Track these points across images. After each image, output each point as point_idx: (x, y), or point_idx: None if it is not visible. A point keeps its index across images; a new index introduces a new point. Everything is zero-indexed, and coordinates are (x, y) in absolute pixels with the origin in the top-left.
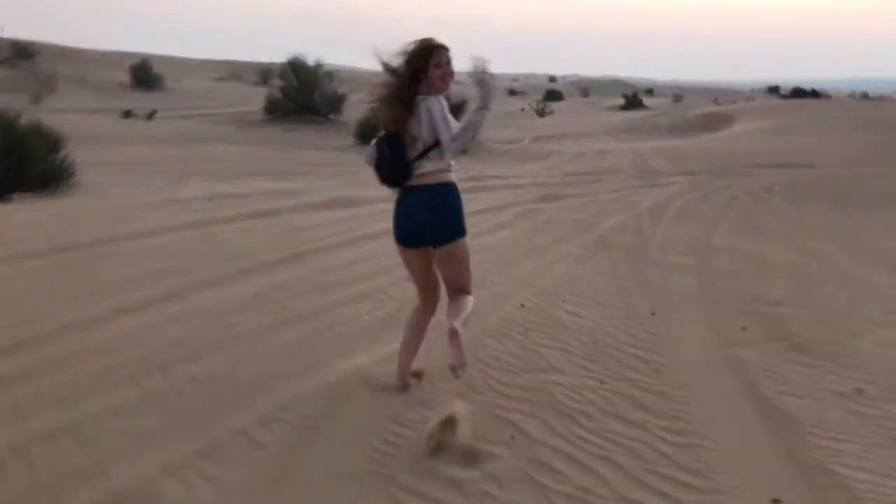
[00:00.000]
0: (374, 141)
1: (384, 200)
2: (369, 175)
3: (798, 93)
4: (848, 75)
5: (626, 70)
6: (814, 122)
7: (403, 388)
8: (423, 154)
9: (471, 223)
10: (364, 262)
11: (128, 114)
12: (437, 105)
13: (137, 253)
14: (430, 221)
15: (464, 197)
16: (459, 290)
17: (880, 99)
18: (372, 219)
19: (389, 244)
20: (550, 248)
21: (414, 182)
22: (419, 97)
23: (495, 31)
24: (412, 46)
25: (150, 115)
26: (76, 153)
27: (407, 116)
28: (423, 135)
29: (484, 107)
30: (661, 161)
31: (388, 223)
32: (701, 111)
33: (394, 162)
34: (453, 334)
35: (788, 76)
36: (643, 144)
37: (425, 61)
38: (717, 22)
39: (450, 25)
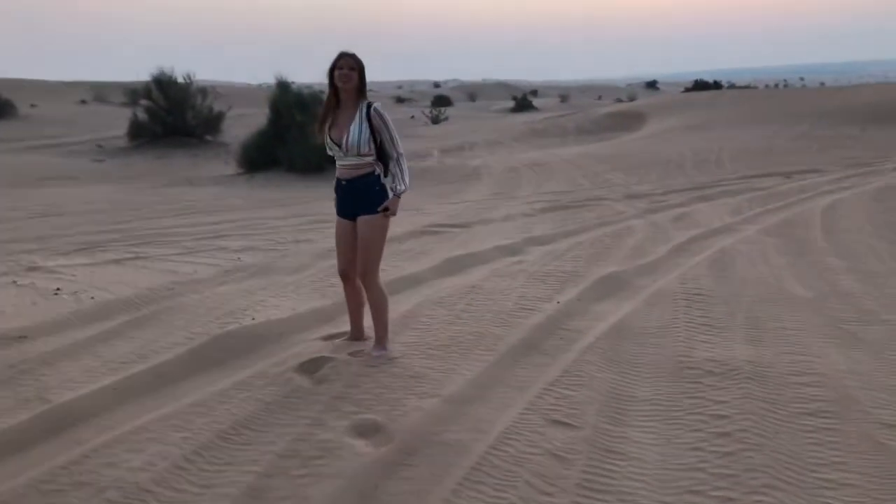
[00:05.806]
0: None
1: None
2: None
3: (700, 85)
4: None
5: (505, 73)
6: (728, 115)
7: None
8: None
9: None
10: None
11: None
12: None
13: None
14: None
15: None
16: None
17: (747, 87)
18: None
19: None
20: None
21: None
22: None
23: (377, 39)
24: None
25: None
26: None
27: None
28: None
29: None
30: (618, 174)
31: None
32: (607, 110)
33: None
34: None
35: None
36: (567, 150)
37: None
38: (579, 21)
39: (324, 38)
